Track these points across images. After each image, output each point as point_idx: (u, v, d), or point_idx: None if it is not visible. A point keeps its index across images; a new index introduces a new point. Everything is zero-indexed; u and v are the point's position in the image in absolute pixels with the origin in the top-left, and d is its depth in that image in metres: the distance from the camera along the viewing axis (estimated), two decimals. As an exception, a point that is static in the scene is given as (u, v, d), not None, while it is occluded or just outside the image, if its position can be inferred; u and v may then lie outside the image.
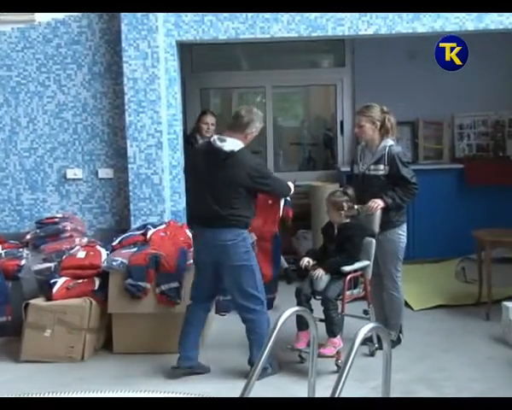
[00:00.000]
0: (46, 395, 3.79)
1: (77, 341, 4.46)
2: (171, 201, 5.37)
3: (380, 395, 2.83)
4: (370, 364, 4.17)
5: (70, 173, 5.48)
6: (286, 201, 4.78)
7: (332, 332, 4.16)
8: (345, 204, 4.31)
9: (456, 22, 5.17)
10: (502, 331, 4.68)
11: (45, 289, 4.65)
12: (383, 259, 4.49)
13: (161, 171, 5.24)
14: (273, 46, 6.49)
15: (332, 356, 4.15)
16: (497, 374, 4.12)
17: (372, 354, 4.38)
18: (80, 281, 4.66)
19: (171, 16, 5.20)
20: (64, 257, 4.81)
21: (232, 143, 4.03)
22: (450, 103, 6.82)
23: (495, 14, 5.15)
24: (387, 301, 4.56)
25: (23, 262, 4.85)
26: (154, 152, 5.23)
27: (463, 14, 5.15)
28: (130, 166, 5.25)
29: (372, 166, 4.43)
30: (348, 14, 5.17)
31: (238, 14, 5.17)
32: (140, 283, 4.52)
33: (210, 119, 5.83)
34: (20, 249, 5.00)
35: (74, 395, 3.79)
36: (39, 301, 4.56)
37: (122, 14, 5.11)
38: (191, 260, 4.58)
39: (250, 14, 5.18)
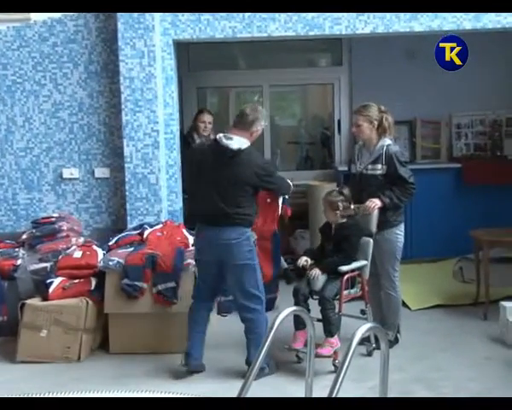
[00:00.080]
0: (43, 396, 3.77)
1: (73, 341, 4.45)
2: (168, 200, 5.35)
3: (377, 395, 2.82)
4: (368, 364, 4.17)
5: (66, 173, 5.46)
6: (284, 199, 4.78)
7: (329, 332, 4.16)
8: (340, 204, 4.32)
9: (454, 21, 5.17)
10: (499, 331, 4.68)
11: (41, 289, 4.63)
12: (381, 258, 4.48)
13: (158, 170, 5.22)
14: (270, 45, 6.47)
15: (329, 356, 4.14)
16: (494, 374, 4.11)
17: (369, 354, 4.38)
18: (76, 281, 4.64)
19: (168, 15, 5.18)
20: (60, 257, 4.79)
21: (239, 142, 4.03)
22: (447, 102, 6.82)
23: (492, 14, 5.14)
24: (385, 300, 4.55)
25: (19, 262, 4.83)
26: (151, 151, 5.21)
27: (461, 13, 5.14)
28: (126, 165, 5.23)
29: (370, 166, 4.42)
30: (345, 13, 5.16)
31: (235, 13, 5.15)
32: (136, 282, 4.51)
33: (207, 117, 5.81)
34: (16, 249, 4.98)
35: (71, 396, 3.78)
36: (35, 301, 4.55)
37: (118, 13, 5.08)
38: (188, 260, 4.61)
39: (247, 13, 5.16)
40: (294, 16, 5.17)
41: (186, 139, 5.80)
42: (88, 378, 4.18)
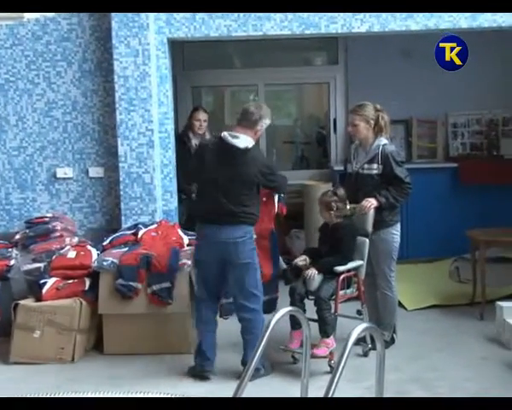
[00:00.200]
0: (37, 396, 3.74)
1: (67, 342, 4.43)
2: (163, 200, 5.32)
3: (373, 396, 2.81)
4: (364, 364, 4.16)
5: (60, 172, 5.42)
6: (280, 197, 4.77)
7: (325, 333, 4.15)
8: (334, 204, 4.32)
9: (450, 20, 5.16)
10: (496, 331, 4.68)
11: (35, 289, 4.61)
12: (377, 258, 4.47)
13: (152, 170, 5.20)
14: (266, 44, 6.44)
15: (325, 357, 4.14)
16: (491, 374, 4.11)
17: (365, 355, 4.37)
18: (70, 281, 4.62)
19: (163, 13, 5.15)
20: (54, 257, 4.77)
21: (245, 140, 4.02)
22: (444, 102, 6.82)
23: (489, 13, 5.12)
24: (381, 300, 4.54)
25: (12, 262, 4.81)
26: (146, 151, 5.18)
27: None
28: (121, 165, 5.20)
29: (366, 165, 4.42)
30: (341, 12, 5.13)
31: (231, 13, 5.11)
32: (131, 283, 4.49)
33: (202, 115, 5.77)
34: (10, 249, 4.94)
35: (66, 397, 3.76)
36: (29, 302, 4.53)
37: (112, 12, 5.06)
38: (183, 260, 4.58)
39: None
40: (290, 15, 5.14)
41: (181, 138, 5.76)
42: (82, 379, 4.15)
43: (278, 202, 4.78)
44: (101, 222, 5.45)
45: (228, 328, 4.53)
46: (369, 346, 4.34)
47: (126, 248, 4.75)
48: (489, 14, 5.13)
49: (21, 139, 5.41)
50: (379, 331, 2.91)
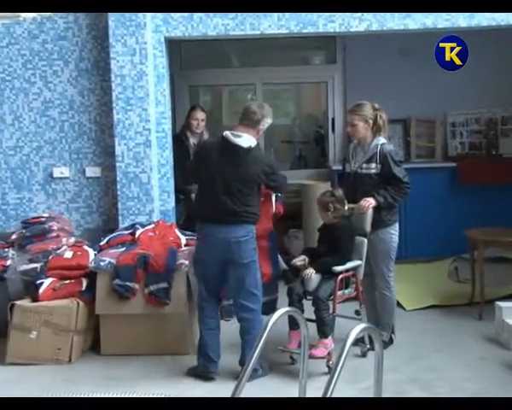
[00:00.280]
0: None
1: (64, 342, 4.41)
2: (160, 200, 5.30)
3: (371, 396, 2.80)
4: (362, 365, 4.15)
5: (57, 172, 5.40)
6: (277, 196, 4.76)
7: (323, 333, 4.14)
8: (331, 205, 4.31)
9: (449, 19, 5.13)
10: (495, 331, 4.67)
11: (31, 289, 4.60)
12: (375, 258, 4.46)
13: (150, 169, 5.18)
14: (263, 43, 6.43)
15: (323, 357, 4.13)
16: (489, 374, 4.10)
17: (364, 355, 4.36)
18: (67, 282, 4.61)
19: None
20: (50, 257, 4.75)
21: (248, 139, 4.01)
22: (442, 101, 6.80)
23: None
24: (379, 300, 4.53)
25: (9, 263, 4.79)
26: (143, 150, 5.16)
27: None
28: (118, 164, 5.17)
29: (364, 165, 4.41)
30: (339, 11, 5.12)
31: (229, 12, 5.08)
32: (128, 283, 4.48)
33: (200, 114, 5.74)
34: (6, 249, 4.92)
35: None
36: (25, 303, 4.52)
37: (109, 10, 5.04)
38: (181, 260, 4.57)
39: (240, 10, 5.12)
40: (287, 14, 5.12)
41: (179, 138, 5.73)
42: (79, 380, 4.14)
43: (276, 201, 4.77)
44: (98, 222, 5.43)
45: (226, 328, 4.52)
46: (368, 346, 4.33)
47: (123, 249, 4.73)
48: (487, 13, 5.11)
49: (18, 139, 5.38)
50: (377, 332, 2.92)
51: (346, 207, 4.34)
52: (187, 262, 4.54)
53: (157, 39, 5.17)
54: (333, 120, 7.15)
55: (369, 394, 2.94)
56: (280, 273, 5.59)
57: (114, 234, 4.99)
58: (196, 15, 5.12)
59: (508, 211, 6.19)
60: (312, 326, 3.96)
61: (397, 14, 5.11)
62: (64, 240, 4.94)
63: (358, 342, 4.27)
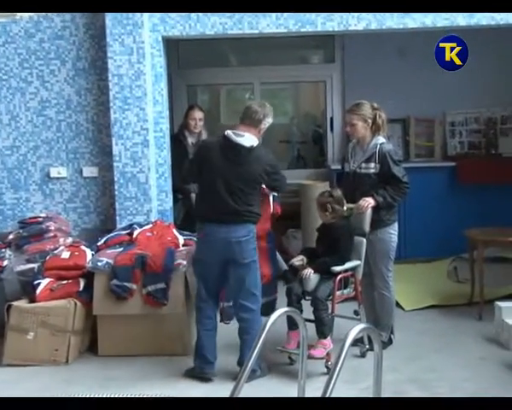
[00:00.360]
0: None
1: (61, 343, 4.40)
2: (158, 200, 5.28)
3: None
4: (361, 365, 4.14)
5: (54, 172, 5.38)
6: (274, 196, 4.74)
7: (322, 333, 4.12)
8: (329, 205, 4.30)
9: (448, 18, 5.12)
10: (494, 332, 4.66)
11: (28, 290, 4.59)
12: (374, 258, 4.45)
13: (147, 169, 5.16)
14: (261, 42, 6.42)
15: (322, 358, 4.12)
16: (489, 374, 4.09)
17: (363, 356, 4.35)
18: (64, 282, 4.59)
19: (157, 11, 5.12)
20: (48, 258, 4.73)
21: (250, 139, 4.01)
22: (441, 100, 6.79)
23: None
24: (378, 301, 4.52)
25: (5, 263, 4.77)
26: (140, 150, 5.14)
27: (455, 9, 5.10)
28: (115, 164, 5.15)
29: (363, 165, 4.40)
30: (338, 9, 5.10)
31: (228, 12, 5.06)
32: (126, 283, 4.46)
33: (197, 114, 5.71)
34: (3, 250, 4.90)
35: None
36: (22, 303, 4.50)
37: (106, 9, 5.02)
38: (179, 261, 4.55)
39: (238, 9, 5.10)
40: (286, 12, 5.09)
41: (177, 137, 5.71)
42: (77, 381, 4.13)
43: (273, 201, 4.75)
44: (95, 222, 5.41)
45: (224, 329, 4.51)
46: (367, 347, 4.31)
47: (121, 249, 4.71)
48: (487, 12, 5.09)
49: (14, 138, 5.36)
50: (376, 332, 2.91)
51: (345, 208, 4.33)
52: (185, 262, 4.53)
53: (154, 38, 5.14)
54: (331, 119, 7.14)
55: (369, 394, 2.94)
56: (281, 273, 5.58)
57: (112, 234, 4.97)
58: (194, 14, 5.10)
59: (507, 211, 6.18)
60: (311, 327, 3.95)
61: (396, 13, 5.09)
62: (61, 240, 4.92)
63: (357, 342, 4.26)
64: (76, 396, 3.71)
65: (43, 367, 4.33)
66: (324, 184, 6.02)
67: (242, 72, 7.22)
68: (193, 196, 5.23)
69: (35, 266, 4.72)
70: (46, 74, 5.29)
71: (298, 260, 4.33)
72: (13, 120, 5.34)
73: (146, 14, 5.05)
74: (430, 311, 5.28)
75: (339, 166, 5.29)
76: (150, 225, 4.99)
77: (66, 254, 4.73)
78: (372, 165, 4.35)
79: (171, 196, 5.34)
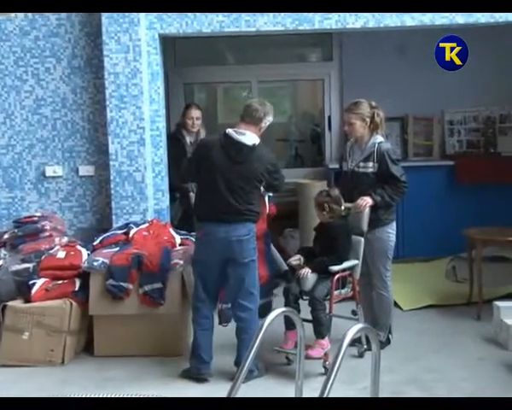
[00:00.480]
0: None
1: (57, 344, 4.38)
2: (155, 199, 5.26)
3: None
4: (359, 365, 4.13)
5: (49, 171, 5.35)
6: (269, 197, 4.72)
7: (320, 333, 4.11)
8: (326, 205, 4.29)
9: (446, 16, 5.10)
10: (493, 331, 4.65)
11: (23, 290, 4.57)
12: (372, 258, 4.44)
13: (144, 168, 5.13)
14: (259, 40, 6.39)
15: (320, 358, 4.11)
16: (487, 375, 4.09)
17: (361, 356, 4.34)
18: (60, 282, 4.57)
19: (154, 9, 5.09)
20: (43, 257, 4.71)
21: (252, 137, 4.00)
22: (440, 99, 6.76)
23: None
24: (376, 300, 4.51)
25: (0, 263, 4.74)
26: (137, 149, 5.11)
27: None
28: (111, 163, 5.13)
29: (361, 164, 4.39)
30: (336, 7, 5.07)
31: (227, 12, 5.03)
32: (122, 283, 4.44)
33: (194, 113, 5.67)
34: (-2, 250, 4.88)
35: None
36: (17, 303, 4.49)
37: (102, 7, 4.99)
38: (175, 260, 4.53)
39: (235, 7, 5.06)
40: (283, 10, 5.08)
41: (175, 136, 5.67)
42: (73, 382, 4.11)
43: (268, 202, 4.73)
44: (91, 221, 5.39)
45: (221, 329, 4.50)
46: (365, 347, 4.30)
47: (117, 248, 4.69)
48: (485, 10, 5.08)
49: (9, 137, 5.33)
50: (374, 332, 2.90)
51: (343, 207, 4.32)
52: (181, 262, 4.52)
53: (151, 36, 5.12)
54: (329, 118, 7.12)
55: (366, 394, 2.90)
56: (281, 273, 5.57)
57: (108, 234, 4.94)
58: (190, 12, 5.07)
59: (506, 210, 6.17)
60: (309, 327, 3.94)
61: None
62: (57, 240, 4.90)
63: (355, 342, 4.25)
64: (72, 396, 3.69)
65: (39, 368, 4.32)
66: (322, 183, 6.01)
67: (240, 70, 7.19)
68: (191, 195, 5.21)
69: (30, 265, 4.69)
70: (41, 72, 5.26)
71: (295, 260, 4.32)
72: (8, 119, 5.30)
73: (142, 12, 5.00)
74: (428, 311, 5.27)
75: (337, 166, 5.27)
76: (147, 225, 4.97)
77: (61, 254, 4.71)
78: (370, 164, 4.34)
79: (167, 195, 5.32)
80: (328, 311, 4.15)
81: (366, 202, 4.26)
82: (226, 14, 5.06)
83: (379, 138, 4.37)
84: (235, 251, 4.00)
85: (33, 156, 5.35)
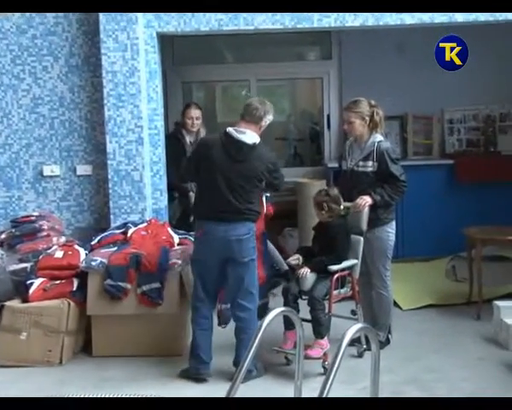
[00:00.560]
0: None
1: (54, 344, 4.37)
2: (153, 198, 5.24)
3: (368, 398, 2.78)
4: (358, 365, 4.12)
5: (47, 170, 5.33)
6: (267, 197, 4.71)
7: (319, 333, 4.11)
8: (325, 204, 4.28)
9: (446, 14, 5.08)
10: (493, 331, 4.63)
11: (21, 290, 4.55)
12: (371, 257, 4.43)
13: (142, 167, 5.11)
14: (257, 38, 6.38)
15: (319, 358, 4.10)
16: (487, 375, 4.08)
17: (360, 356, 4.33)
18: (58, 282, 4.56)
19: (152, 7, 5.06)
20: (41, 257, 4.69)
21: (252, 136, 4.00)
22: (439, 97, 6.75)
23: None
24: (376, 300, 4.50)
25: (-3, 262, 4.74)
26: (135, 148, 5.09)
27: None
28: (109, 162, 5.11)
29: (361, 163, 4.38)
30: (335, 6, 5.05)
31: (229, 12, 5.01)
32: (120, 283, 4.43)
33: (194, 112, 5.64)
34: (-5, 249, 4.88)
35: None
36: (15, 303, 4.48)
37: (100, 5, 4.96)
38: (173, 260, 4.51)
39: (233, 6, 5.04)
40: (282, 8, 5.05)
41: (175, 135, 5.64)
42: (71, 382, 4.10)
43: (266, 202, 4.71)
44: (89, 221, 5.37)
45: (220, 329, 4.49)
46: (364, 347, 4.29)
47: (115, 248, 4.68)
48: (485, 8, 5.06)
49: (7, 136, 5.31)
50: (374, 332, 2.90)
51: (342, 206, 4.31)
52: (180, 262, 4.50)
53: (149, 34, 5.10)
54: (328, 116, 7.10)
55: (366, 395, 2.91)
56: (282, 273, 5.56)
57: (106, 233, 4.93)
58: (189, 10, 5.05)
59: (506, 209, 6.16)
60: (308, 326, 3.93)
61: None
62: (54, 239, 4.88)
63: (355, 342, 4.23)
64: (70, 396, 3.67)
65: (37, 368, 4.31)
66: (321, 183, 6.00)
67: (238, 68, 7.18)
68: (191, 194, 5.19)
69: (28, 265, 4.67)
70: (39, 71, 5.24)
71: (294, 260, 4.31)
72: (5, 118, 5.28)
73: (140, 10, 5.01)
74: (428, 310, 5.26)
75: (336, 165, 5.26)
76: (145, 224, 4.95)
77: (59, 254, 4.70)
78: (370, 163, 4.33)
79: (165, 194, 5.31)
80: (327, 311, 4.14)
81: (365, 201, 4.25)
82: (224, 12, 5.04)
83: (378, 137, 4.36)
84: (234, 250, 3.99)
85: (31, 155, 5.33)
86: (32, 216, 5.10)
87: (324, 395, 2.37)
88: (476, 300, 5.08)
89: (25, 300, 4.46)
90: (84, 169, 5.33)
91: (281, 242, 6.47)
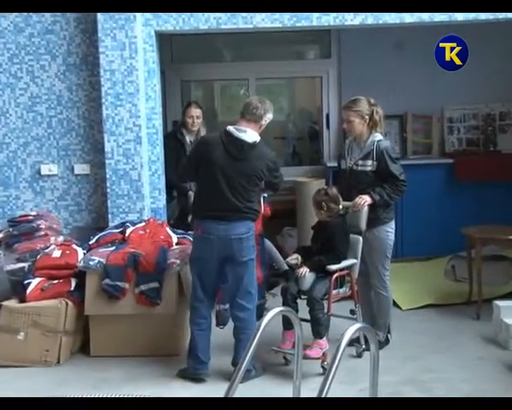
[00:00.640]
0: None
1: (52, 344, 4.37)
2: (151, 198, 5.22)
3: (367, 399, 2.79)
4: (357, 365, 4.11)
5: (44, 169, 5.32)
6: (264, 197, 4.69)
7: (318, 333, 4.10)
8: (324, 204, 4.27)
9: (445, 12, 5.05)
10: (493, 331, 4.63)
11: (18, 290, 4.54)
12: (371, 257, 4.42)
13: (140, 166, 5.10)
14: (256, 37, 6.36)
15: (318, 358, 4.09)
16: (487, 375, 4.07)
17: (359, 356, 4.32)
18: (55, 281, 4.55)
19: (150, 5, 5.05)
20: (38, 257, 4.68)
21: (252, 134, 3.99)
22: (439, 96, 6.74)
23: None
24: (375, 300, 4.50)
25: (-5, 262, 4.72)
26: (133, 147, 5.08)
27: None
28: (107, 161, 5.10)
29: (360, 162, 4.37)
30: (334, 4, 5.04)
31: (229, 12, 5.00)
32: (118, 283, 4.42)
33: (194, 111, 5.62)
34: (-8, 249, 4.86)
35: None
36: (12, 303, 4.47)
37: (98, 3, 4.95)
38: (172, 259, 4.51)
39: (232, 4, 5.03)
40: (281, 7, 5.04)
41: (174, 135, 5.63)
42: (69, 382, 4.10)
43: (263, 202, 4.70)
44: (87, 220, 5.36)
45: (218, 329, 4.43)
46: (363, 347, 4.29)
47: (113, 247, 4.67)
48: (485, 7, 5.05)
49: (4, 135, 5.29)
50: (373, 332, 2.89)
51: (341, 206, 4.31)
52: (178, 261, 4.49)
53: (147, 33, 5.08)
54: (327, 115, 7.09)
55: (365, 395, 2.95)
56: (282, 273, 5.55)
57: (104, 233, 4.92)
58: (187, 8, 5.04)
59: (506, 208, 6.15)
60: (307, 326, 3.92)
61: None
62: (52, 239, 4.87)
63: (354, 342, 4.23)
64: (68, 396, 3.66)
65: (35, 368, 4.31)
66: (320, 182, 5.99)
67: (237, 67, 7.17)
68: (190, 194, 5.17)
69: (25, 265, 4.66)
70: (36, 70, 5.22)
71: (293, 259, 4.31)
72: (2, 116, 5.27)
73: (138, 9, 4.99)
74: (427, 310, 5.25)
75: (335, 164, 5.24)
76: (143, 224, 4.94)
77: (57, 253, 4.69)
78: (369, 162, 4.31)
79: (164, 193, 5.29)
80: (326, 310, 4.14)
81: (364, 200, 4.24)
82: (223, 10, 5.03)
83: (378, 136, 4.35)
84: (234, 249, 3.99)
85: (28, 154, 5.32)
86: (30, 215, 5.07)
87: (323, 396, 2.37)
88: (476, 299, 5.08)
89: (22, 300, 4.45)
90: (81, 168, 5.32)
91: (280, 241, 6.47)
